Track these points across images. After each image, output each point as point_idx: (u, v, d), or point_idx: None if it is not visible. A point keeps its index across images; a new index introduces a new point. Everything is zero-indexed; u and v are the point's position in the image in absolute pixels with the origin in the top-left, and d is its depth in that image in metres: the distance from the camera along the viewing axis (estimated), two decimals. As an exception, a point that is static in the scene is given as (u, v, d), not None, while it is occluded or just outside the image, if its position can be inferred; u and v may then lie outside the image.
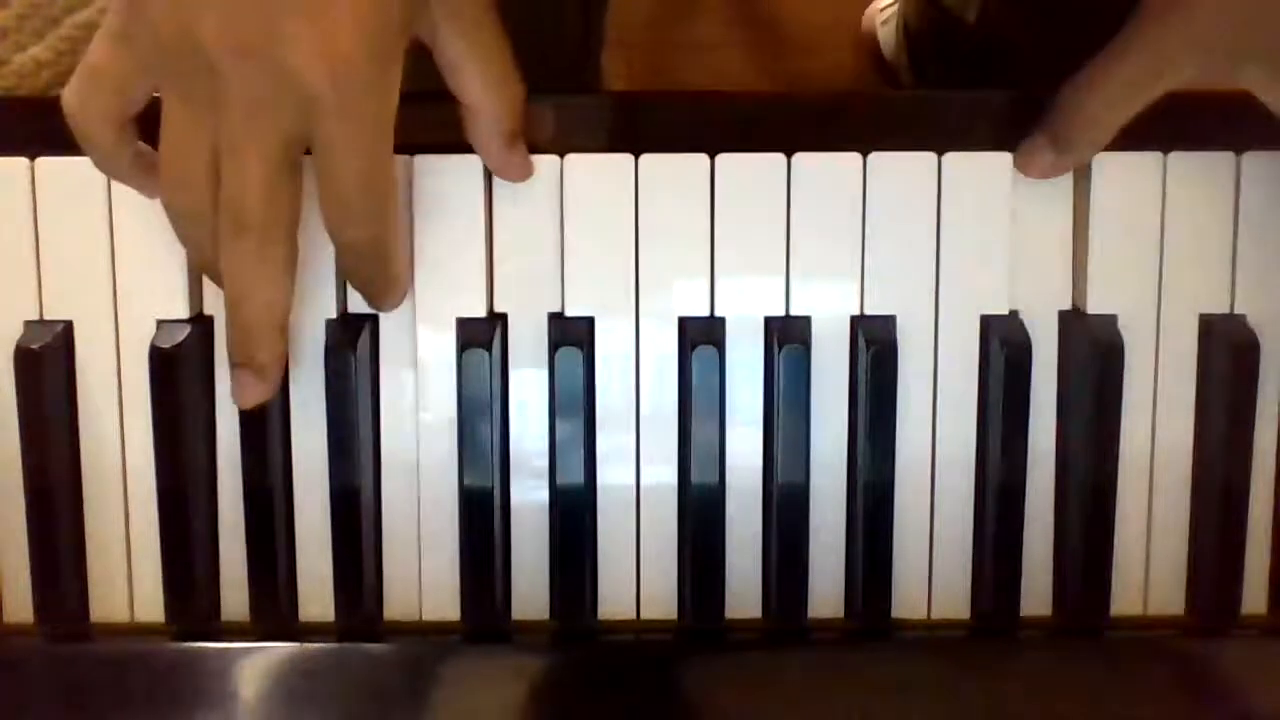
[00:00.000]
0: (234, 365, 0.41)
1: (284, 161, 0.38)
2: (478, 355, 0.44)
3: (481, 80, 0.41)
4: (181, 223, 0.40)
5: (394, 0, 0.37)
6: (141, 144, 0.41)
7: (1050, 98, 0.43)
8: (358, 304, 0.45)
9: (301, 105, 0.37)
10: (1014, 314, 0.45)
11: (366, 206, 0.39)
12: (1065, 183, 0.45)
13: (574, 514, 0.45)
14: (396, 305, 0.44)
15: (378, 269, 0.42)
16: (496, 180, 0.44)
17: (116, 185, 0.44)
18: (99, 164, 0.42)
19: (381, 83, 0.38)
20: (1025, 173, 0.44)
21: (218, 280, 0.41)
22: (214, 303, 0.45)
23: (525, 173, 0.44)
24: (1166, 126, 0.42)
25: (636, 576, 0.46)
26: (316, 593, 0.46)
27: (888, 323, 0.45)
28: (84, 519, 0.46)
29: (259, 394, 0.41)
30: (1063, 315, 0.45)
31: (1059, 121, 0.43)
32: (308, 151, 0.38)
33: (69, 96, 0.40)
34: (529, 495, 0.46)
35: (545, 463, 0.45)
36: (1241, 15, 0.40)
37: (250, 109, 0.37)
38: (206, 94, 0.37)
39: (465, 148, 0.43)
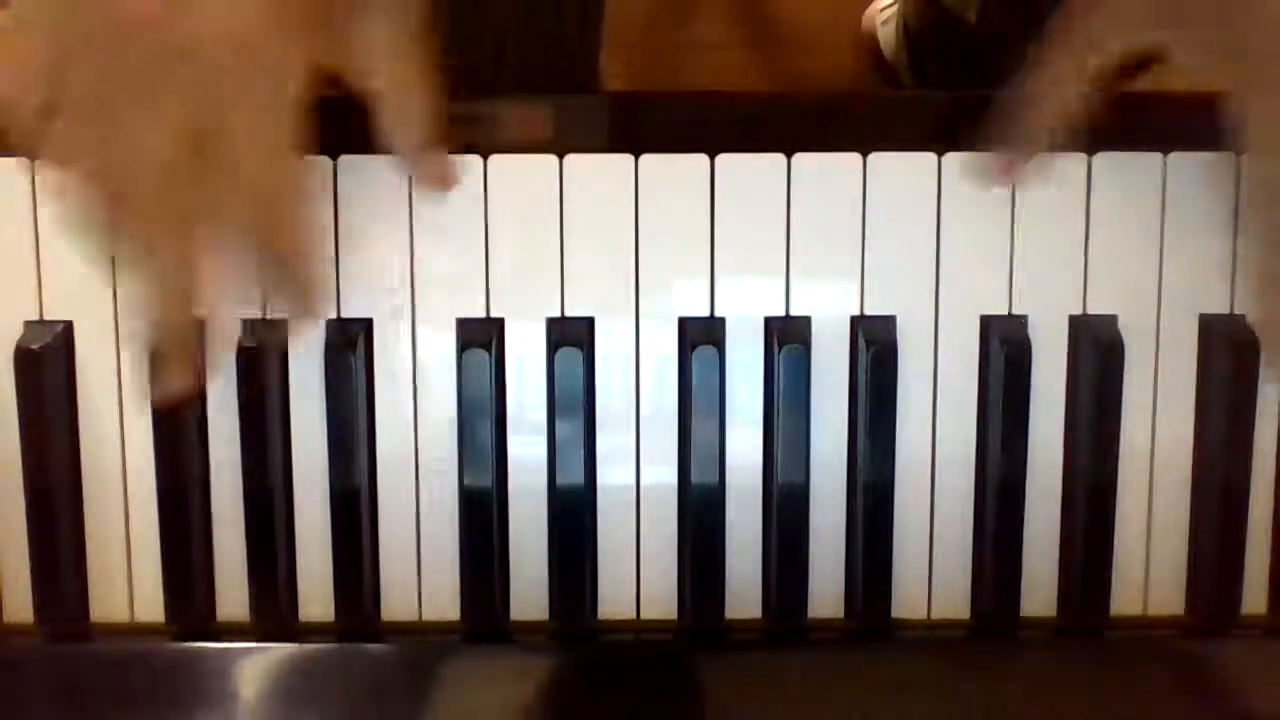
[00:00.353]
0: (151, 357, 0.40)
1: (184, 144, 0.37)
2: (478, 355, 0.44)
3: (394, 82, 0.41)
4: (84, 212, 0.39)
5: None
6: None
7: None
8: (358, 305, 0.45)
9: (203, 81, 0.36)
10: (1014, 314, 0.45)
11: (263, 205, 0.38)
12: (1066, 182, 0.45)
13: (574, 514, 0.45)
14: (315, 317, 0.43)
15: (284, 270, 0.40)
16: (496, 180, 0.44)
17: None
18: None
19: (284, 64, 0.37)
20: (983, 183, 0.44)
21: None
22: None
23: (445, 184, 0.44)
24: (1167, 127, 0.42)
25: (636, 576, 0.46)
26: (316, 593, 0.46)
27: (888, 323, 0.45)
28: (84, 519, 0.46)
29: (176, 385, 0.40)
30: (1061, 315, 0.45)
31: (1009, 120, 0.43)
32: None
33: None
34: (529, 495, 0.45)
35: (545, 463, 0.45)
36: None
37: (152, 81, 0.36)
38: (114, 71, 0.37)
39: (464, 148, 0.43)
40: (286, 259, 0.40)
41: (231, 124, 0.37)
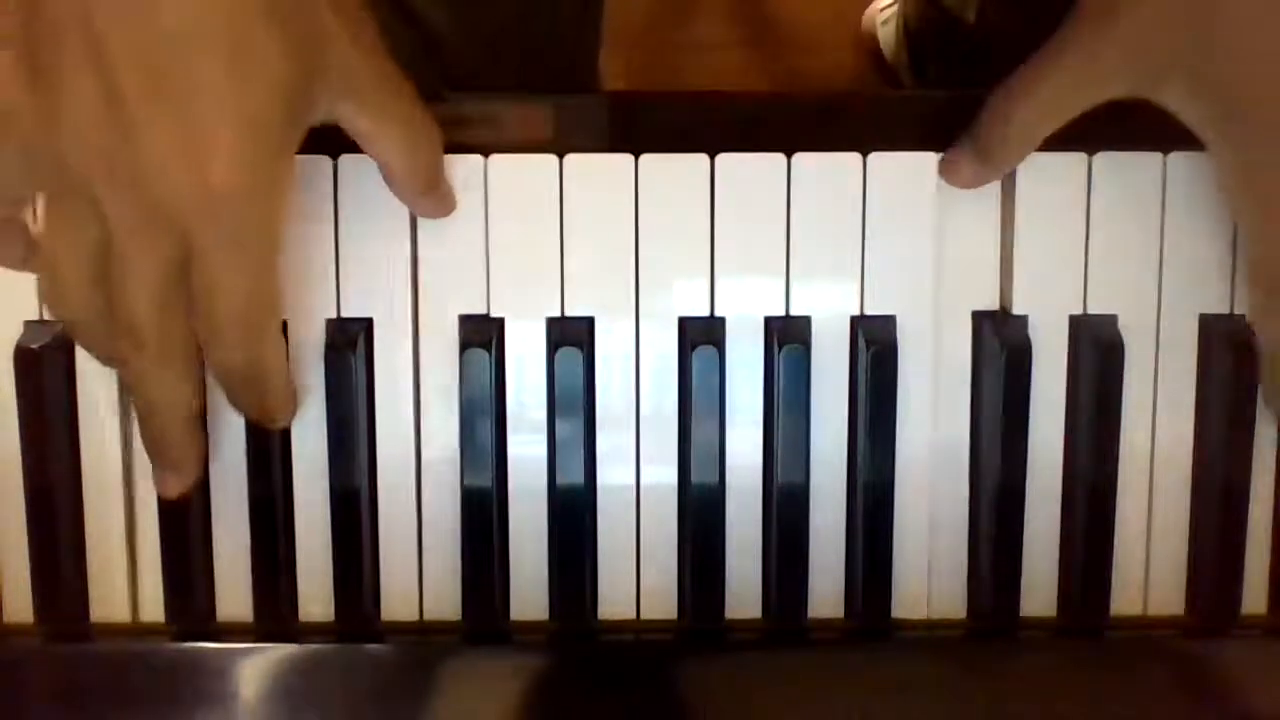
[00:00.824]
0: (151, 459, 0.42)
1: (173, 274, 0.37)
2: (478, 355, 0.44)
3: (394, 147, 0.41)
4: (69, 329, 0.40)
5: (272, 113, 0.36)
6: (33, 238, 0.40)
7: (980, 103, 0.43)
8: (358, 305, 0.45)
9: (178, 234, 0.36)
10: (1014, 314, 0.45)
11: (242, 333, 0.38)
12: (1066, 182, 0.45)
13: (574, 514, 0.45)
14: (285, 424, 0.44)
15: (255, 393, 0.41)
16: (496, 180, 0.44)
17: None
18: None
19: (261, 206, 0.37)
20: (949, 182, 0.44)
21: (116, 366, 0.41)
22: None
23: (446, 211, 0.44)
24: (1167, 127, 0.42)
25: (636, 576, 0.46)
26: (316, 593, 0.46)
27: (888, 323, 0.45)
28: (84, 519, 0.46)
29: (178, 487, 0.43)
30: (1061, 315, 0.45)
31: (984, 131, 0.42)
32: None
33: None
34: (529, 495, 0.45)
35: (545, 463, 0.45)
36: (1178, 25, 0.40)
37: (130, 230, 0.36)
38: (86, 207, 0.36)
39: (464, 148, 0.43)
40: (261, 382, 0.41)
41: (208, 265, 0.37)
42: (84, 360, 0.45)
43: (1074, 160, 0.44)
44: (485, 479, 0.45)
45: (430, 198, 0.43)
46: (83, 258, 0.37)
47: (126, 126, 0.35)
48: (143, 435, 0.41)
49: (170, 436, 0.41)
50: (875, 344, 0.44)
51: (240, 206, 0.36)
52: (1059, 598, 0.46)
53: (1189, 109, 0.41)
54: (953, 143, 0.44)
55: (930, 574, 0.46)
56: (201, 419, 0.43)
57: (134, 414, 0.45)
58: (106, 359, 0.41)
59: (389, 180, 0.42)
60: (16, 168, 0.37)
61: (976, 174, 0.44)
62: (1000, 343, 0.44)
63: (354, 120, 0.39)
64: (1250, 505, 0.46)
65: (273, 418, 0.43)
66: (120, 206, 0.36)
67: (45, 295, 0.39)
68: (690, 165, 0.44)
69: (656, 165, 0.44)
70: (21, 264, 0.41)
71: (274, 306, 0.39)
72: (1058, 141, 0.42)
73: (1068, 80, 0.41)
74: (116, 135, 0.35)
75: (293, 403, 0.44)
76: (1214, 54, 0.40)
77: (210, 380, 0.42)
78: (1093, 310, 0.45)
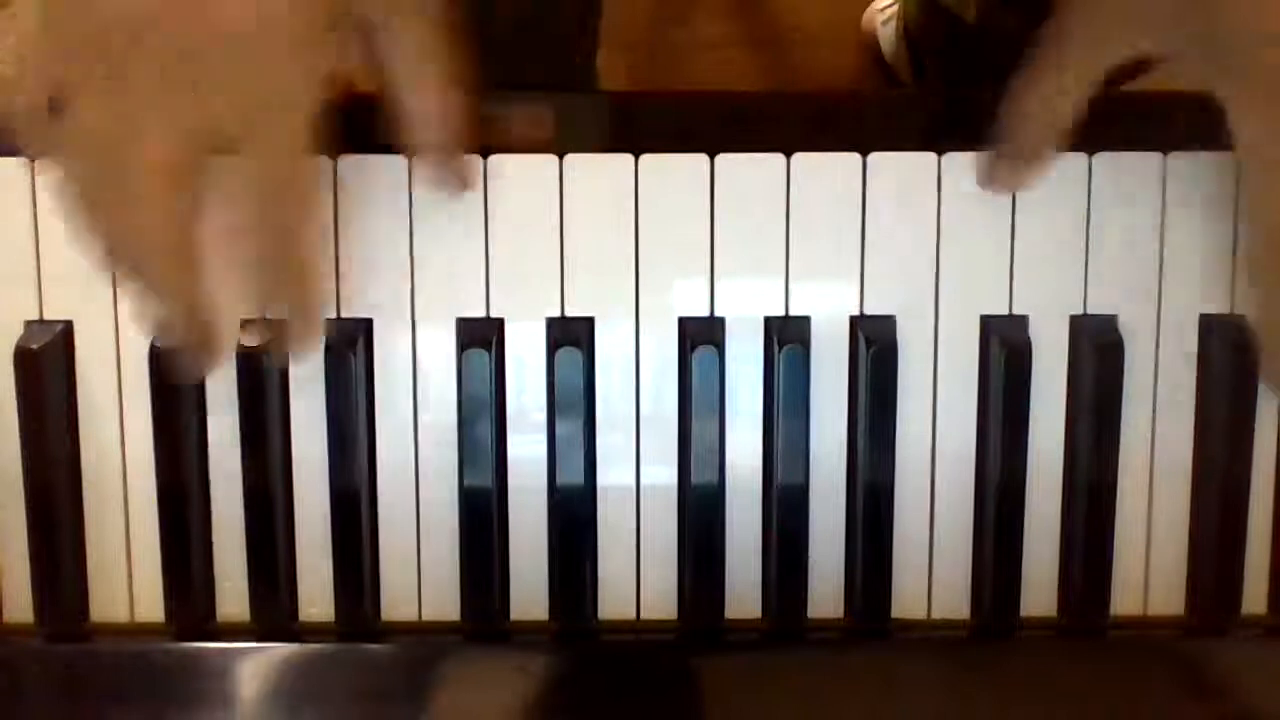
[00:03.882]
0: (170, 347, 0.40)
1: (193, 150, 0.37)
2: (478, 355, 0.44)
3: (429, 83, 0.40)
4: (80, 189, 0.38)
5: (313, 9, 0.36)
6: None
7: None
8: (358, 305, 0.45)
9: (219, 81, 0.36)
10: (1014, 314, 0.45)
11: (279, 200, 0.38)
12: (1066, 182, 0.45)
13: (574, 514, 0.45)
14: (311, 345, 0.42)
15: (291, 287, 0.40)
16: (496, 180, 0.44)
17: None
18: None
19: (305, 66, 0.37)
20: (987, 187, 0.44)
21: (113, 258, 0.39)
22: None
23: (460, 184, 0.43)
24: (1167, 127, 0.42)
25: (636, 576, 0.46)
26: (316, 593, 0.46)
27: (888, 323, 0.45)
28: (84, 519, 0.46)
29: (205, 365, 0.40)
30: (1061, 315, 0.45)
31: (1011, 124, 0.42)
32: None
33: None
34: (529, 495, 0.45)
35: (545, 463, 0.45)
36: None
37: (166, 79, 0.36)
38: (125, 67, 0.36)
39: (465, 148, 0.43)
40: (289, 272, 0.39)
41: (248, 127, 0.37)
42: (84, 360, 0.45)
43: (1074, 160, 0.44)
44: (485, 479, 0.45)
45: (453, 157, 0.43)
46: (115, 123, 0.37)
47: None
48: (158, 329, 0.40)
49: (173, 323, 0.39)
50: (875, 344, 0.44)
51: (290, 49, 0.36)
52: (1059, 598, 0.46)
53: (1202, 68, 0.40)
54: (954, 142, 0.44)
55: (930, 574, 0.46)
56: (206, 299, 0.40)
57: (134, 412, 0.45)
58: (115, 254, 0.39)
59: (416, 126, 0.41)
60: (57, 44, 0.37)
61: (1016, 172, 0.43)
62: (1000, 343, 0.44)
63: (392, 46, 0.39)
64: (1250, 505, 0.46)
65: (305, 325, 0.41)
66: (161, 49, 0.36)
67: (68, 152, 0.38)
68: (690, 165, 0.44)
69: (656, 165, 0.44)
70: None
71: (310, 192, 0.39)
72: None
73: (1072, 51, 0.41)
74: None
75: (319, 323, 0.42)
76: (1218, 9, 0.39)
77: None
78: (1093, 310, 0.45)
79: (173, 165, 0.37)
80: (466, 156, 0.43)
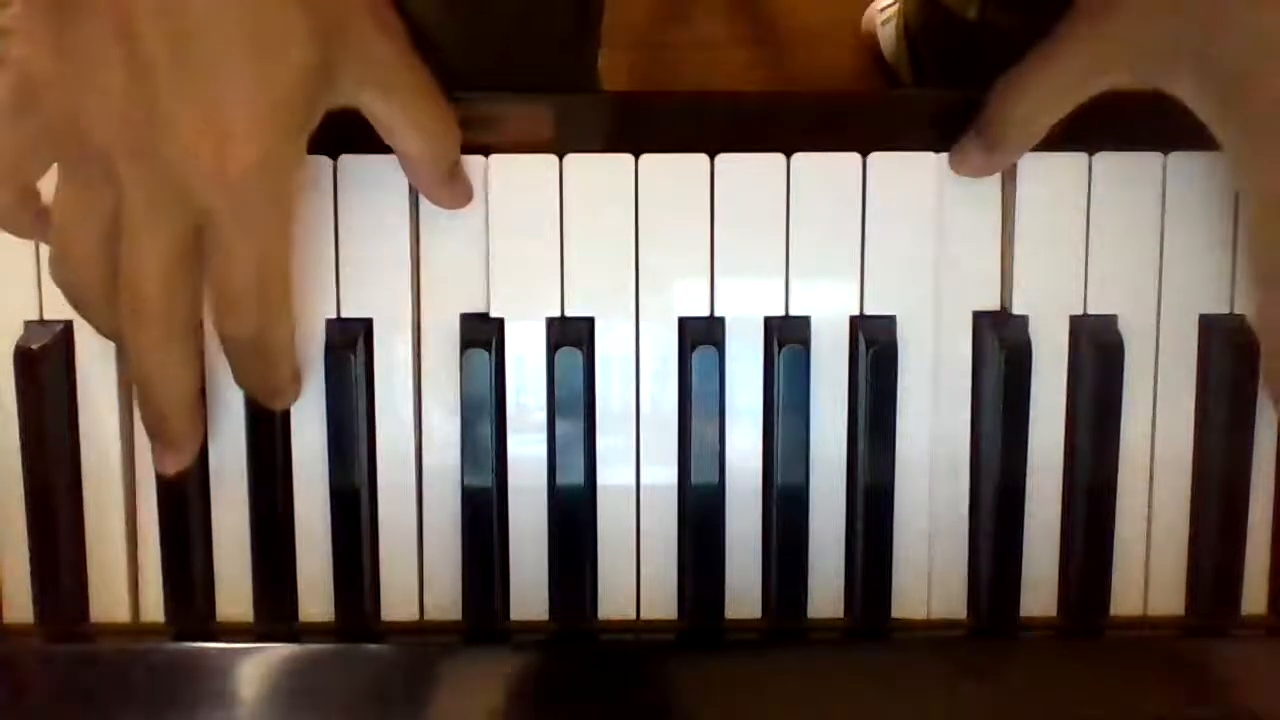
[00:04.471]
0: (150, 437, 0.42)
1: (183, 251, 0.37)
2: (478, 355, 0.44)
3: (417, 135, 0.41)
4: (73, 300, 0.40)
5: (293, 93, 0.37)
6: (44, 206, 0.40)
7: (980, 103, 0.43)
8: (358, 305, 0.45)
9: (195, 208, 0.37)
10: (1014, 314, 0.45)
11: (254, 306, 0.39)
12: (1065, 182, 0.45)
13: (574, 514, 0.45)
14: (288, 404, 0.44)
15: (264, 370, 0.41)
16: (496, 180, 0.44)
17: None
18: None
19: (275, 183, 0.37)
20: (957, 171, 0.44)
21: (119, 341, 0.41)
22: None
23: (465, 202, 0.44)
24: (1167, 127, 0.42)
25: (636, 576, 0.46)
26: (316, 593, 0.46)
27: (888, 323, 0.45)
28: (84, 519, 0.46)
29: (176, 465, 0.42)
30: (1061, 315, 0.45)
31: (989, 121, 0.43)
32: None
33: None
34: (529, 495, 0.45)
35: (545, 463, 0.45)
36: (1179, 11, 0.39)
37: (146, 203, 0.37)
38: (102, 178, 0.37)
39: (464, 148, 0.43)
40: (271, 359, 0.41)
41: (222, 239, 0.37)
42: (84, 360, 0.45)
43: (1074, 160, 0.44)
44: (485, 479, 0.45)
45: (449, 188, 0.43)
46: (94, 226, 0.38)
47: (151, 98, 0.35)
48: (142, 413, 0.41)
49: (170, 414, 0.41)
50: (875, 344, 0.44)
51: (256, 182, 0.36)
52: (1059, 598, 0.46)
53: (1199, 100, 0.41)
54: (954, 141, 0.44)
55: (930, 574, 0.46)
56: (201, 399, 0.43)
57: (135, 410, 0.45)
58: (109, 334, 0.41)
59: (409, 169, 0.42)
60: (39, 138, 0.38)
61: (985, 163, 0.44)
62: (1000, 343, 0.44)
63: (375, 107, 0.40)
64: (1250, 505, 0.46)
65: (277, 396, 0.43)
66: (138, 176, 0.36)
67: (53, 262, 0.39)
68: (690, 165, 0.44)
69: (656, 165, 0.44)
70: (30, 231, 0.41)
71: (285, 280, 0.39)
72: (1058, 141, 0.43)
73: (1069, 73, 0.41)
74: (141, 106, 0.35)
75: (297, 383, 0.44)
76: (1220, 40, 0.39)
77: (210, 381, 0.42)
78: (1093, 310, 0.45)
79: (171, 265, 0.37)
80: (467, 161, 0.44)
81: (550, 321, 0.45)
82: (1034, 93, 0.42)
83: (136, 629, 0.46)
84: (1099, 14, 0.41)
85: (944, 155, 0.44)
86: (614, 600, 0.46)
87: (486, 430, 0.44)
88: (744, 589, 0.46)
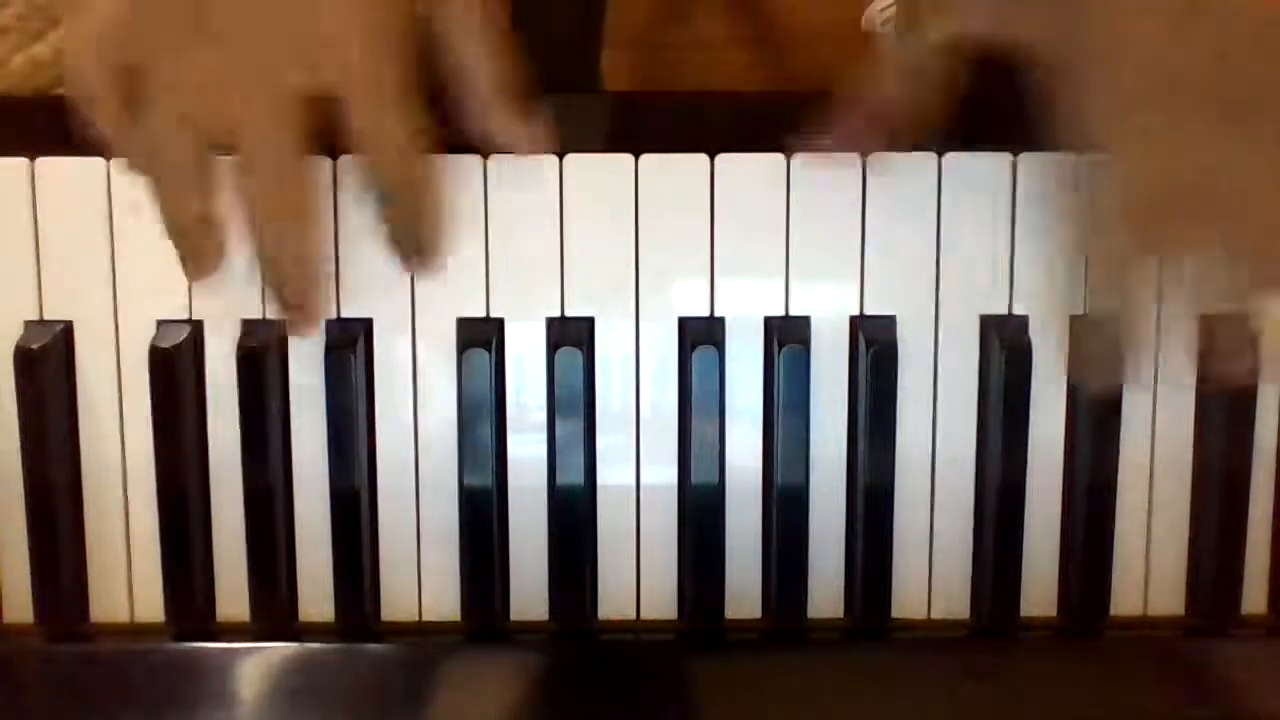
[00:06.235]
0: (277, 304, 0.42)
1: (293, 100, 0.38)
2: (478, 355, 0.44)
3: (486, 50, 0.41)
4: (169, 173, 0.40)
5: None
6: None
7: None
8: (358, 305, 0.45)
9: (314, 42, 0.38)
10: (1014, 314, 0.45)
11: (393, 117, 0.39)
12: (1065, 183, 0.45)
13: (574, 514, 0.45)
14: (440, 255, 0.43)
15: (412, 198, 0.41)
16: (495, 180, 0.44)
17: (116, 185, 0.44)
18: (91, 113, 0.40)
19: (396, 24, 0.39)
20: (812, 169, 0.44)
21: (188, 245, 0.41)
22: (204, 306, 0.45)
23: (535, 145, 0.43)
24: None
25: (636, 576, 0.46)
26: (317, 593, 0.46)
27: (888, 323, 0.45)
28: (84, 519, 0.46)
29: (306, 327, 0.42)
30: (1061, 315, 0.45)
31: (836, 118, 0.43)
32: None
33: (68, 38, 0.40)
34: (529, 495, 0.45)
35: (545, 463, 0.45)
36: None
37: (256, 37, 0.38)
38: (211, 43, 0.38)
39: (462, 147, 0.43)
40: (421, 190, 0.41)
41: (345, 74, 0.38)
42: (84, 360, 0.45)
43: (1073, 160, 0.44)
44: (485, 479, 0.45)
45: (516, 116, 0.43)
46: (196, 95, 0.38)
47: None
48: (265, 280, 0.42)
49: (291, 274, 0.41)
50: (875, 344, 0.44)
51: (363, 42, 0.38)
52: (1059, 598, 0.46)
53: (1050, 49, 0.39)
54: (954, 142, 0.44)
55: (930, 574, 0.46)
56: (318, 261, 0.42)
57: (135, 410, 0.45)
58: (185, 218, 0.41)
59: (480, 96, 0.42)
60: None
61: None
62: (1000, 343, 0.44)
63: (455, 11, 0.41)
64: (1250, 505, 0.46)
65: (430, 233, 0.42)
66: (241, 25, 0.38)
67: (159, 132, 0.39)
68: (690, 165, 0.44)
69: (656, 165, 0.44)
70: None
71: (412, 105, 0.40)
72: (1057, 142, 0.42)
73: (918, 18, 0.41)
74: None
75: (444, 222, 0.43)
76: None
77: (210, 381, 0.42)
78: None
79: (283, 109, 0.38)
80: (465, 161, 0.44)
81: (550, 321, 0.45)
82: (879, 65, 0.42)
83: (136, 629, 0.46)
84: None
85: (944, 156, 0.44)
86: (614, 600, 0.46)
87: (486, 430, 0.44)
88: (744, 589, 0.46)
